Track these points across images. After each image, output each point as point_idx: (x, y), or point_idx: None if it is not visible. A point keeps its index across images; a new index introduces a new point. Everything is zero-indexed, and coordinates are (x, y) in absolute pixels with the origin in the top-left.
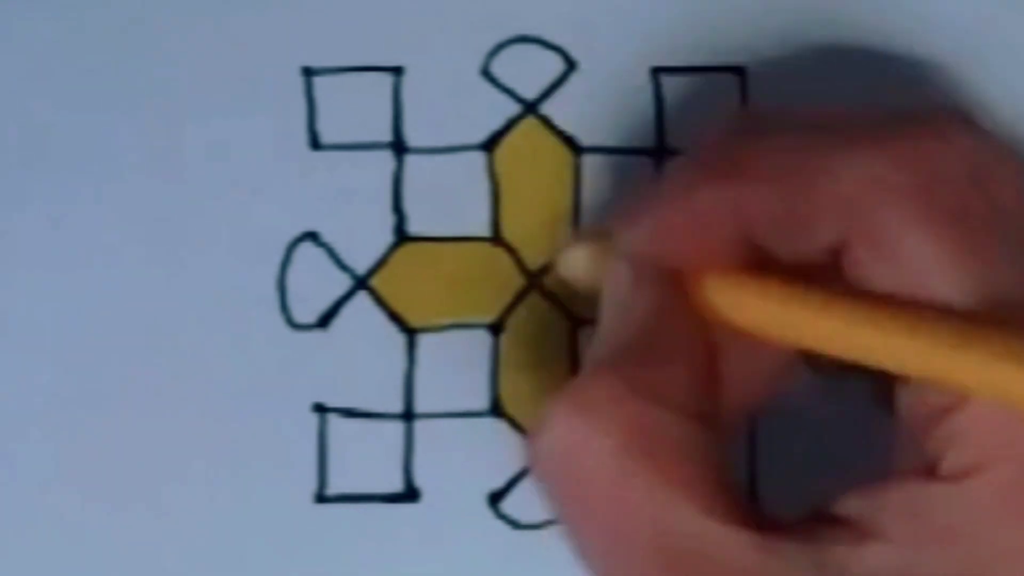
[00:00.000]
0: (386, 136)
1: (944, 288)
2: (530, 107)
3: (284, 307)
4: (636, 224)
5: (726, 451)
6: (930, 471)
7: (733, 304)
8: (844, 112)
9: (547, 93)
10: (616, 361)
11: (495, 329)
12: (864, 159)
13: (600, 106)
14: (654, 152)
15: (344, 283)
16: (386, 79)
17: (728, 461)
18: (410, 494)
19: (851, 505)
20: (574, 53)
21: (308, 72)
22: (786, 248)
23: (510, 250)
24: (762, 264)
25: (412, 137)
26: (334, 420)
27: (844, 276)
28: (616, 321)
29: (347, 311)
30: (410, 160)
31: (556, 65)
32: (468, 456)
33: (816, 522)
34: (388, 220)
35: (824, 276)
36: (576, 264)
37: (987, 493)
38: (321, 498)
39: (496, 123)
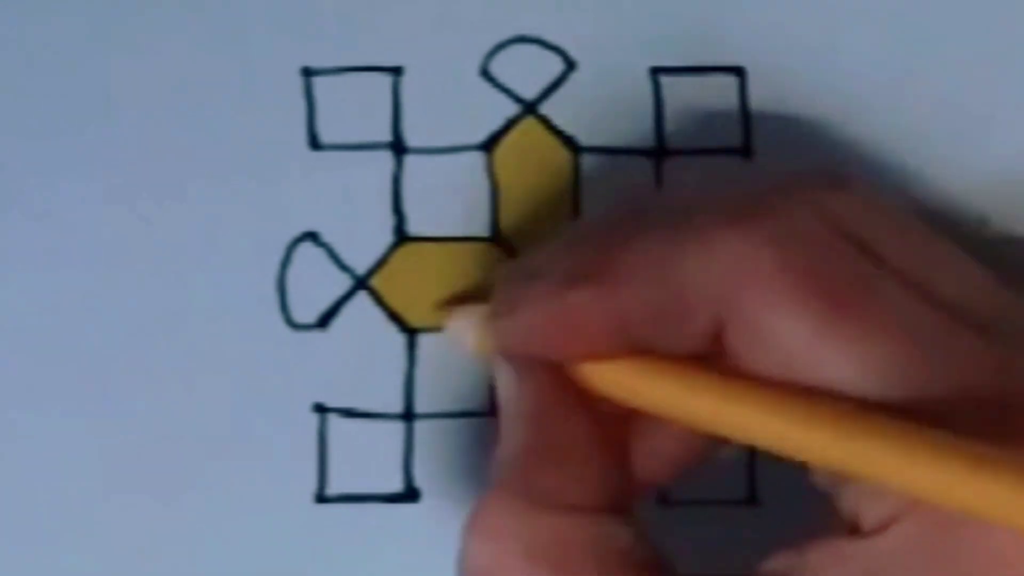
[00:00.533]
0: (386, 136)
1: (820, 368)
2: (529, 107)
3: (284, 307)
4: (507, 321)
5: (639, 523)
6: (852, 526)
7: (620, 389)
8: (707, 196)
9: (546, 93)
10: (513, 472)
11: None
12: (724, 242)
13: (599, 106)
14: (653, 152)
15: (344, 283)
16: (385, 79)
17: (643, 532)
18: (410, 494)
19: (779, 563)
20: (574, 53)
21: (308, 72)
22: (665, 342)
23: (510, 250)
24: (642, 353)
25: (412, 137)
26: (334, 420)
27: (726, 363)
28: (509, 421)
29: (347, 311)
30: (410, 160)
31: (555, 65)
32: (468, 456)
33: None
34: (388, 220)
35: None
36: (461, 335)
37: (900, 544)
38: (321, 498)
39: (495, 123)
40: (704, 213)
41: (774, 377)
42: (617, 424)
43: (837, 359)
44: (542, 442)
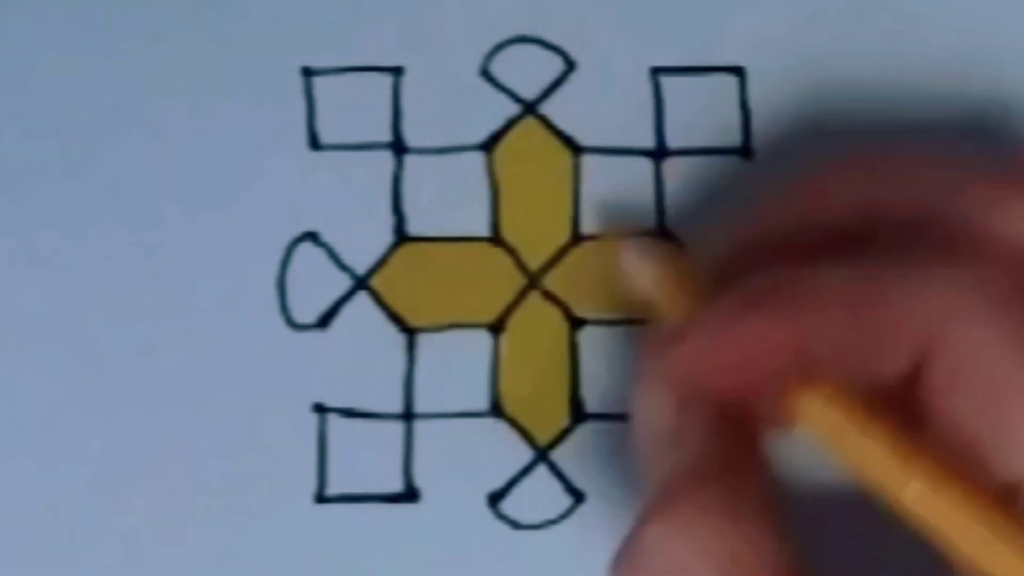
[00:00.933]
0: (386, 136)
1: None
2: (529, 107)
3: (284, 307)
4: (679, 347)
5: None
6: None
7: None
8: (902, 228)
9: (547, 93)
10: (693, 484)
11: (495, 329)
12: (934, 277)
13: (600, 106)
14: (654, 152)
15: (344, 283)
16: (386, 79)
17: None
18: (410, 494)
19: None
20: (574, 53)
21: (308, 72)
22: (852, 372)
23: (510, 250)
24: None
25: (412, 137)
26: (334, 420)
27: (917, 404)
28: (668, 455)
29: (347, 311)
30: (410, 160)
31: (556, 65)
32: (468, 456)
33: None
34: (388, 220)
35: (891, 404)
36: (636, 271)
37: None
38: (321, 498)
39: (496, 123)
40: (905, 251)
41: (979, 420)
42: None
43: None
44: (714, 465)
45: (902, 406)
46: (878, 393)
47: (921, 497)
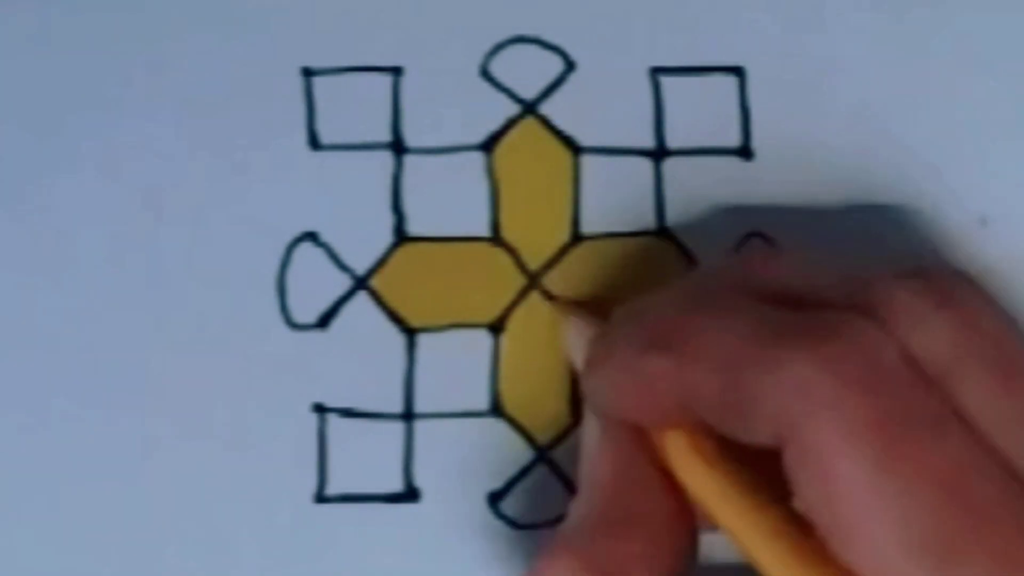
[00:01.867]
0: (385, 136)
1: (862, 518)
2: (529, 107)
3: (284, 307)
4: (592, 378)
5: None
6: None
7: (685, 467)
8: (799, 282)
9: (546, 93)
10: (580, 537)
11: (495, 329)
12: (791, 363)
13: (599, 106)
14: (653, 152)
15: (344, 283)
16: (385, 79)
17: None
18: (410, 494)
19: None
20: (573, 53)
21: (308, 72)
22: (727, 433)
23: (510, 250)
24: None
25: (411, 137)
26: (334, 420)
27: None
28: (585, 482)
29: (347, 311)
30: (409, 160)
31: (555, 65)
32: (468, 456)
33: None
34: (388, 220)
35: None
36: (572, 350)
37: None
38: (321, 498)
39: (495, 123)
40: (780, 323)
41: (820, 512)
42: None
43: (881, 514)
44: (616, 511)
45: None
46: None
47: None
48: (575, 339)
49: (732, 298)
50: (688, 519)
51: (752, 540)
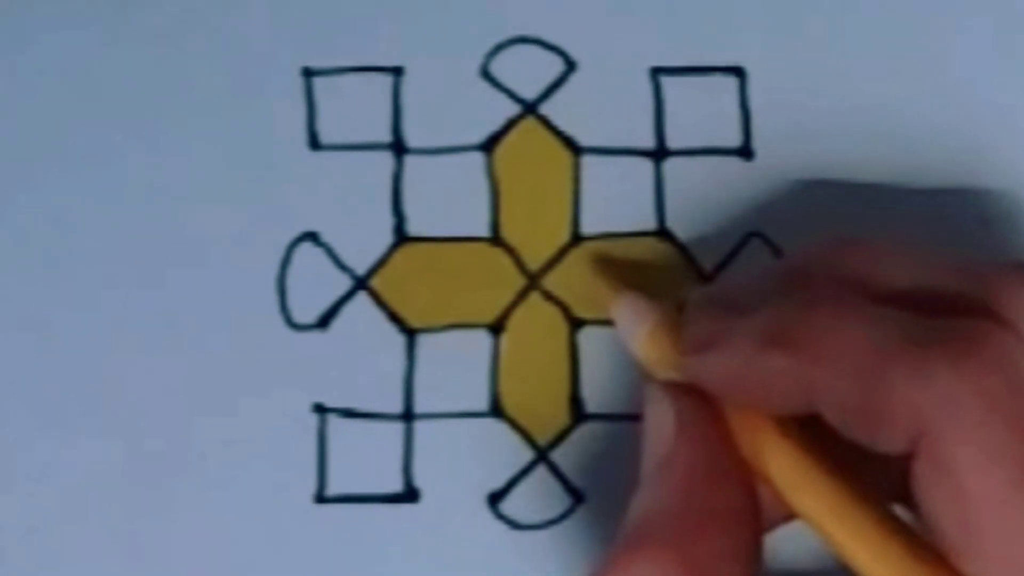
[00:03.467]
0: (386, 137)
1: (998, 539)
2: (529, 107)
3: (284, 307)
4: (701, 360)
5: None
6: None
7: (782, 458)
8: (907, 288)
9: (546, 94)
10: (662, 534)
11: (495, 329)
12: (938, 373)
13: (599, 106)
14: (654, 152)
15: (344, 283)
16: (386, 79)
17: None
18: (410, 494)
19: None
20: (574, 53)
21: (308, 72)
22: (851, 435)
23: (510, 250)
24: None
25: (412, 138)
26: (334, 420)
27: (907, 485)
28: (656, 473)
29: (347, 311)
30: (410, 160)
31: (555, 65)
32: (468, 456)
33: None
34: (388, 220)
35: (887, 473)
36: (630, 332)
37: None
38: (321, 498)
39: (496, 124)
40: (917, 329)
41: (948, 523)
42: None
43: (1016, 534)
44: (700, 504)
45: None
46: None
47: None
48: (631, 316)
49: (849, 297)
50: (761, 515)
51: (852, 534)
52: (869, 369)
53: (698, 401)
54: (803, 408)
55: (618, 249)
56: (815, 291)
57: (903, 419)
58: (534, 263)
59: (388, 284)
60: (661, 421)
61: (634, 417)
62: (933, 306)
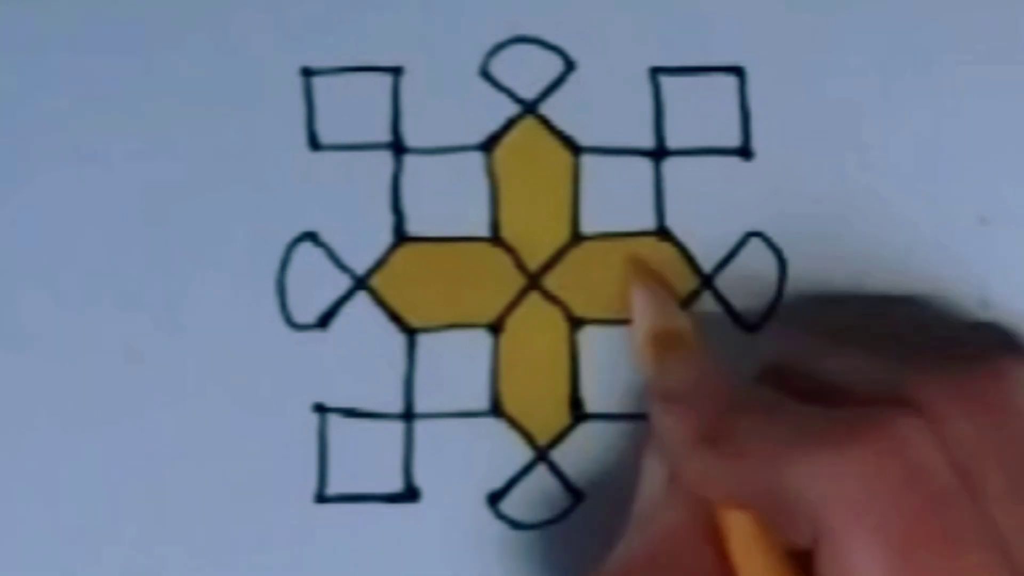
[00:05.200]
0: (385, 136)
1: None
2: (529, 107)
3: (284, 307)
4: (657, 449)
5: None
6: None
7: (745, 551)
8: (843, 382)
9: (546, 93)
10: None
11: (495, 329)
12: (823, 460)
13: (599, 106)
14: (653, 152)
15: (344, 283)
16: (385, 79)
17: None
18: (410, 494)
19: None
20: (573, 53)
21: (307, 72)
22: (779, 534)
23: (510, 250)
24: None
25: (411, 137)
26: (334, 420)
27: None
28: (640, 529)
29: (347, 311)
30: (409, 160)
31: (555, 65)
32: (468, 456)
33: None
34: (387, 220)
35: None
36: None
37: None
38: (321, 498)
39: (495, 123)
40: (817, 421)
41: None
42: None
43: None
44: (664, 559)
45: None
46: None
47: None
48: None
49: (773, 396)
50: None
51: None
52: (774, 465)
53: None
54: (741, 504)
55: (618, 249)
56: (749, 393)
57: (802, 511)
58: (534, 263)
59: (388, 284)
60: (652, 475)
61: (634, 417)
62: (855, 397)
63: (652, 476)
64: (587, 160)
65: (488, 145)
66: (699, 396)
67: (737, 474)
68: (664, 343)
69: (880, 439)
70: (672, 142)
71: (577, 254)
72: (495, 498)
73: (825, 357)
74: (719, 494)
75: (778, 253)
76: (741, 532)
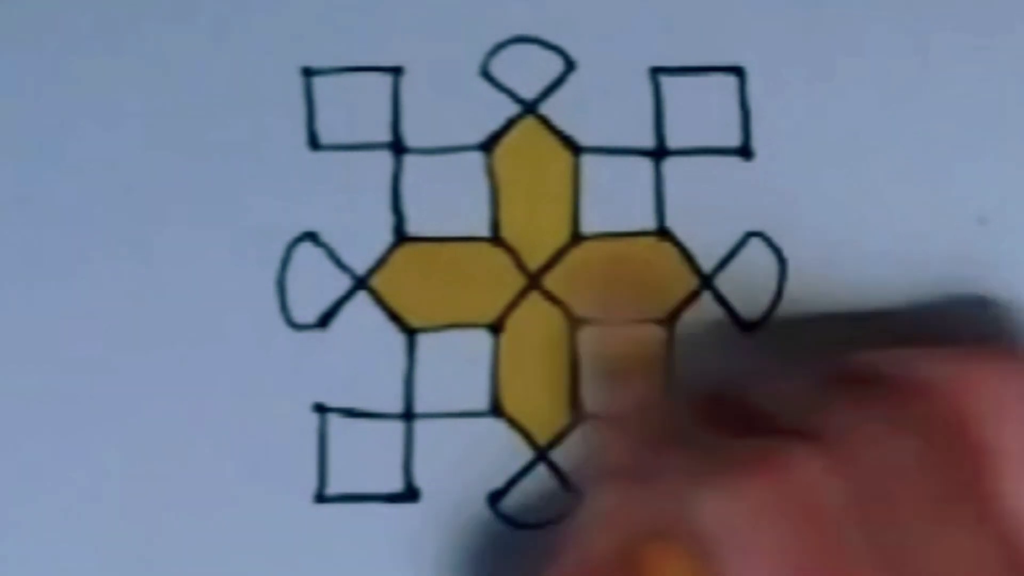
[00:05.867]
0: (385, 136)
1: None
2: (529, 107)
3: (284, 307)
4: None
5: None
6: None
7: None
8: (761, 413)
9: (546, 93)
10: None
11: (495, 329)
12: (713, 496)
13: (599, 106)
14: (653, 152)
15: (344, 283)
16: (385, 79)
17: None
18: (410, 494)
19: None
20: (573, 53)
21: (307, 72)
22: (692, 562)
23: (510, 250)
24: None
25: (411, 137)
26: (334, 420)
27: None
28: (573, 550)
29: (347, 311)
30: (409, 160)
31: (555, 65)
32: (468, 456)
33: None
34: (387, 220)
35: None
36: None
37: None
38: (321, 498)
39: (495, 123)
40: (725, 451)
41: None
42: None
43: None
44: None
45: None
46: None
47: None
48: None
49: (691, 429)
50: None
51: None
52: (679, 498)
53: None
54: (657, 535)
55: (618, 249)
56: (671, 424)
57: (695, 542)
58: (534, 263)
59: (388, 284)
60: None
61: None
62: (775, 427)
63: (595, 496)
64: (587, 160)
65: (488, 145)
66: (625, 427)
67: (648, 506)
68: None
69: (771, 471)
70: (672, 142)
71: (577, 254)
72: (495, 498)
73: (757, 385)
74: (635, 525)
75: (778, 253)
76: (662, 563)
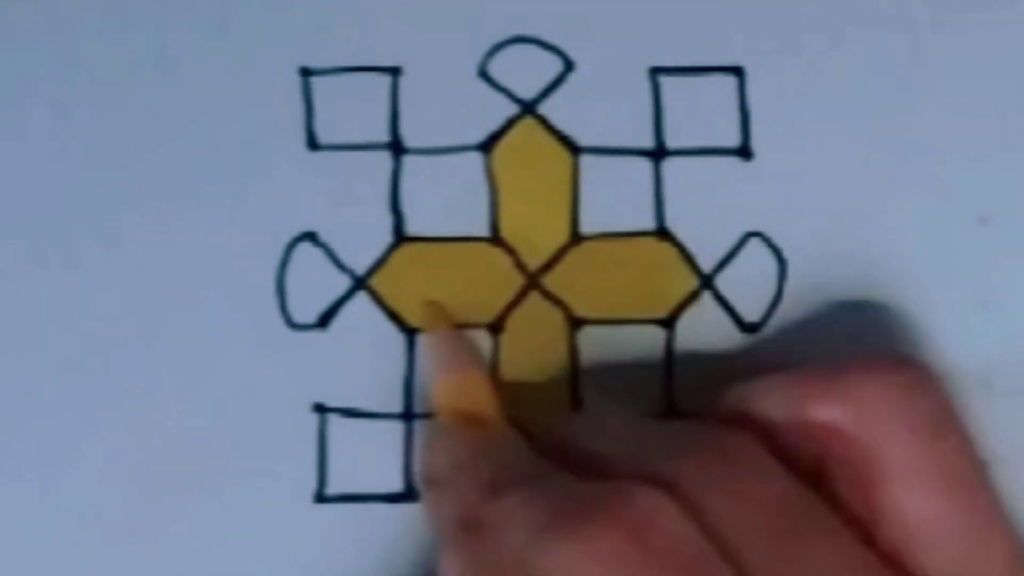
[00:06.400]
0: (384, 136)
1: None
2: (528, 107)
3: (284, 307)
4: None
5: None
6: None
7: None
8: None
9: (545, 93)
10: None
11: (495, 329)
12: (563, 541)
13: (598, 106)
14: (652, 153)
15: (343, 283)
16: (384, 79)
17: None
18: (410, 494)
19: None
20: (572, 53)
21: (306, 72)
22: None
23: (509, 250)
24: None
25: (410, 137)
26: (334, 420)
27: None
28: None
29: (347, 311)
30: (408, 160)
31: (554, 65)
32: None
33: None
34: (387, 220)
35: None
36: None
37: None
38: (321, 498)
39: (494, 123)
40: (572, 497)
41: None
42: None
43: None
44: None
45: None
46: None
47: None
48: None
49: (542, 467)
50: None
51: None
52: (529, 553)
53: None
54: None
55: (618, 249)
56: (520, 461)
57: None
58: (534, 263)
59: (388, 284)
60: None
61: None
62: (615, 470)
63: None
64: (586, 160)
65: (487, 145)
66: (463, 474)
67: (497, 565)
68: (454, 397)
69: (619, 517)
70: (672, 142)
71: (577, 254)
72: None
73: (595, 425)
74: None
75: (778, 253)
76: None
